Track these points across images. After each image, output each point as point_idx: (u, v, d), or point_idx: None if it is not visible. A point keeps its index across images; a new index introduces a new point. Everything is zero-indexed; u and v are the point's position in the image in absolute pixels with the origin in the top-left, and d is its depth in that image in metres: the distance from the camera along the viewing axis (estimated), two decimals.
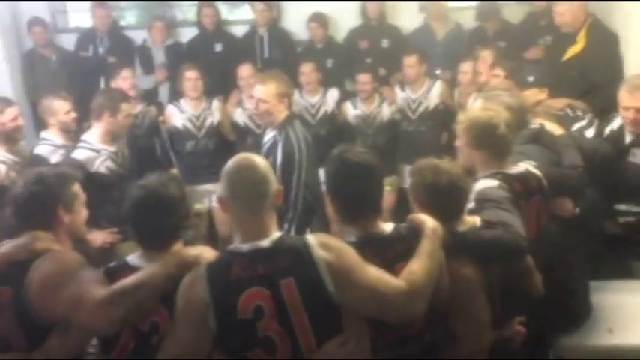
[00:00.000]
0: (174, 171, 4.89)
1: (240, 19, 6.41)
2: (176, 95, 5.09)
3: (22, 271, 1.96)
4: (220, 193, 1.95)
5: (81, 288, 1.89)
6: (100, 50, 5.72)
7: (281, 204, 2.03)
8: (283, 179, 3.35)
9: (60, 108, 3.88)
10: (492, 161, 2.51)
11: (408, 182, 5.00)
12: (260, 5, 5.60)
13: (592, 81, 4.25)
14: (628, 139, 3.37)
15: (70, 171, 2.35)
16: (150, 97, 5.27)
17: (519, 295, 2.34)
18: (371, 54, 5.57)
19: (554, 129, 3.16)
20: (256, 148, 3.82)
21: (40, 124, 4.33)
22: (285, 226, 3.36)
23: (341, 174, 2.06)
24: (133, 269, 1.95)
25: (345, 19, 5.82)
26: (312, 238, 1.88)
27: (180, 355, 1.80)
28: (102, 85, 5.51)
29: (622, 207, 3.40)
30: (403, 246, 2.02)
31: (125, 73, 4.66)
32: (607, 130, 3.46)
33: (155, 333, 1.90)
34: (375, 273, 1.87)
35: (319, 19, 5.57)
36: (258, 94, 3.61)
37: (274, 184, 1.93)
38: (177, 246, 2.02)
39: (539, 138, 3.04)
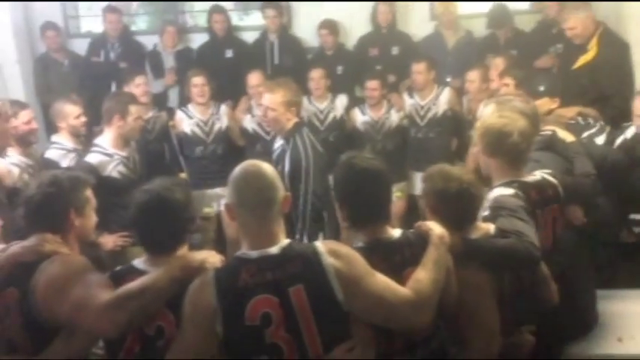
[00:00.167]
0: (183, 175, 4.93)
1: (250, 25, 6.44)
2: (185, 101, 5.12)
3: (28, 273, 1.97)
4: (227, 201, 1.94)
5: (86, 291, 1.89)
6: (112, 55, 5.77)
7: (290, 212, 2.03)
8: (292, 187, 3.35)
9: (70, 112, 3.92)
10: (508, 169, 2.49)
11: (417, 189, 5.08)
12: (271, 12, 5.62)
13: (603, 89, 4.23)
14: None
15: (83, 175, 2.36)
16: (159, 101, 5.30)
17: (534, 304, 2.33)
18: (381, 61, 5.57)
19: (566, 136, 3.14)
20: (266, 154, 3.82)
21: (50, 127, 4.36)
22: (297, 237, 3.35)
23: (349, 180, 2.07)
24: (139, 273, 1.95)
25: (356, 27, 5.83)
26: (321, 246, 1.87)
27: None
28: (113, 90, 5.56)
29: (637, 216, 3.37)
30: (411, 252, 2.01)
31: (139, 79, 4.70)
32: (620, 139, 3.44)
33: (160, 337, 1.90)
34: (383, 281, 1.87)
35: (330, 26, 5.59)
36: (266, 102, 3.63)
37: (281, 191, 1.92)
38: (183, 250, 2.02)
39: (552, 145, 3.03)
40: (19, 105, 3.68)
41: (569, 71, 4.48)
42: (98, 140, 3.79)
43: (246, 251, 1.86)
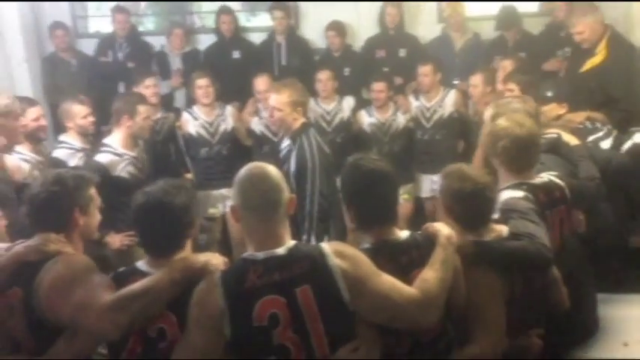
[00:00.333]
0: (190, 176, 4.94)
1: (258, 26, 6.45)
2: (191, 102, 5.13)
3: (32, 273, 1.97)
4: (232, 203, 1.95)
5: (88, 292, 1.90)
6: (119, 55, 5.79)
7: (296, 213, 2.03)
8: (298, 187, 3.37)
9: (78, 112, 3.95)
10: (506, 171, 2.52)
11: (424, 191, 5.06)
12: (278, 13, 5.63)
13: (611, 93, 4.21)
14: None
15: (87, 173, 2.37)
16: (166, 102, 5.31)
17: (544, 307, 2.33)
18: (388, 63, 5.57)
19: (571, 139, 3.15)
20: (273, 156, 3.83)
21: (58, 127, 4.38)
22: (304, 237, 3.37)
23: (356, 181, 2.08)
24: (142, 275, 1.95)
25: (363, 28, 5.83)
26: (326, 247, 1.89)
27: None
28: (121, 89, 5.59)
29: None
30: (419, 253, 2.02)
31: (149, 81, 4.72)
32: (629, 144, 3.41)
33: (162, 339, 1.90)
34: (389, 281, 1.88)
35: (337, 28, 5.59)
36: (272, 103, 3.65)
37: (287, 193, 1.93)
38: (186, 252, 2.02)
39: (556, 148, 3.04)
40: (27, 102, 3.71)
41: (577, 75, 4.46)
42: (108, 140, 3.82)
43: (252, 252, 1.86)
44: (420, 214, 4.98)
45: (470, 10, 5.78)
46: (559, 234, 2.55)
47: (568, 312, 2.46)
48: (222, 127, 4.85)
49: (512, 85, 3.92)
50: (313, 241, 3.32)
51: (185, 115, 4.91)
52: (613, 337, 2.91)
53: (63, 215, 2.10)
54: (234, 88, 5.29)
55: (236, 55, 5.75)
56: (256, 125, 4.93)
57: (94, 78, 5.73)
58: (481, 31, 5.66)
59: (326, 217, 3.52)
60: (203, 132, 4.83)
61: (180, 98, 5.68)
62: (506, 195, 2.40)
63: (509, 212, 2.32)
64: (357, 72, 5.57)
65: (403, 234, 2.08)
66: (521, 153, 2.51)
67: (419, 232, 2.14)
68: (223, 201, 4.82)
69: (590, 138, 3.41)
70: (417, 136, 5.05)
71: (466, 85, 5.05)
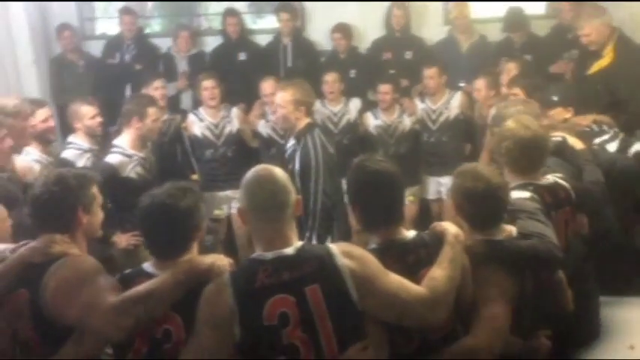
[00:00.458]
0: (195, 177, 4.96)
1: (264, 28, 6.47)
2: (198, 103, 5.15)
3: (38, 275, 1.97)
4: (240, 205, 1.97)
5: (94, 294, 1.90)
6: (127, 57, 5.82)
7: (301, 213, 2.04)
8: (302, 186, 3.40)
9: (86, 112, 3.97)
10: (509, 172, 2.53)
11: (430, 193, 5.06)
12: (285, 15, 5.65)
13: (618, 96, 4.19)
14: None
15: (89, 172, 2.38)
16: (172, 104, 5.33)
17: (551, 309, 2.33)
18: (394, 65, 5.57)
19: (576, 143, 3.15)
20: (280, 158, 3.84)
21: (65, 128, 4.41)
22: (307, 234, 3.39)
23: (361, 182, 2.10)
24: (148, 276, 1.96)
25: (369, 30, 5.84)
26: (334, 247, 1.91)
27: None
28: (127, 91, 5.61)
29: None
30: (426, 252, 2.04)
31: (157, 83, 4.76)
32: (637, 147, 3.40)
33: (168, 341, 1.91)
34: (396, 280, 1.89)
35: (343, 30, 5.60)
36: (277, 100, 3.72)
37: (293, 194, 1.95)
38: (192, 254, 2.02)
39: (561, 151, 3.04)
40: (36, 103, 3.74)
41: (584, 77, 4.45)
42: (117, 141, 3.85)
43: (261, 253, 1.88)
44: (425, 216, 4.97)
45: (476, 12, 5.77)
46: (564, 235, 2.55)
47: (572, 314, 2.46)
48: (227, 129, 4.87)
49: (517, 90, 3.91)
50: (315, 240, 3.34)
51: (191, 117, 4.93)
52: (618, 339, 2.90)
53: (66, 215, 2.10)
54: (240, 89, 5.31)
55: (242, 56, 5.76)
56: (263, 128, 4.94)
57: (101, 79, 5.76)
58: (488, 33, 5.65)
59: (329, 216, 3.54)
60: (208, 133, 4.84)
61: (186, 100, 5.69)
62: (513, 195, 2.40)
63: (516, 212, 2.32)
64: (362, 74, 5.58)
65: (410, 234, 2.10)
66: (525, 154, 2.52)
67: (426, 231, 2.15)
68: (228, 203, 4.85)
69: (597, 141, 3.39)
70: (423, 139, 5.05)
71: (472, 88, 5.06)
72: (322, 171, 3.47)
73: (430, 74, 4.92)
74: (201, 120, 4.86)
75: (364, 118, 5.04)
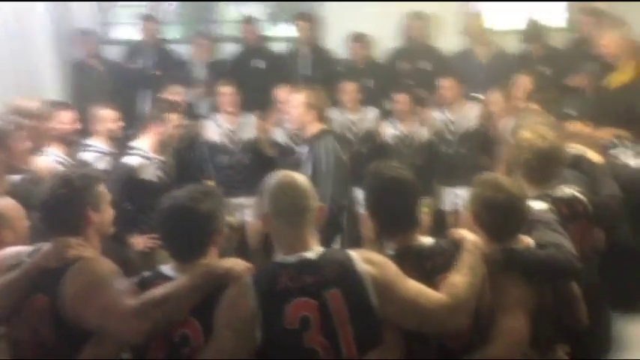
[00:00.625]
0: (211, 183, 4.97)
1: (282, 36, 6.49)
2: (215, 110, 5.17)
3: (55, 280, 1.97)
4: (262, 210, 1.97)
5: (112, 298, 1.90)
6: (147, 63, 5.85)
7: (322, 221, 2.04)
8: None
9: (107, 116, 4.04)
10: (526, 182, 2.52)
11: (447, 204, 5.04)
12: (303, 23, 5.67)
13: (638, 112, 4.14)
14: None
15: (93, 171, 2.38)
16: (190, 110, 5.36)
17: (566, 323, 2.31)
18: (411, 75, 5.57)
19: (594, 156, 3.13)
20: (297, 165, 3.85)
21: (83, 131, 4.45)
22: None
23: (377, 188, 2.12)
24: (167, 279, 1.95)
25: (387, 40, 5.84)
26: (354, 253, 1.91)
27: None
28: (147, 96, 5.66)
29: None
30: (443, 258, 2.03)
31: (176, 89, 4.81)
32: None
33: (185, 345, 1.90)
34: (416, 287, 1.89)
35: (361, 39, 5.62)
36: (290, 101, 3.86)
37: (315, 200, 1.96)
38: (210, 257, 2.01)
39: (579, 163, 3.02)
40: (60, 105, 3.80)
41: (604, 92, 4.41)
42: (137, 143, 3.88)
43: (283, 256, 1.89)
44: (440, 228, 4.94)
45: (495, 23, 5.75)
46: (579, 249, 2.50)
47: (585, 328, 2.43)
48: (244, 136, 4.89)
49: (533, 105, 3.89)
50: None
51: (208, 123, 4.95)
52: (630, 354, 2.87)
53: (76, 216, 2.09)
54: (256, 96, 5.32)
55: (259, 64, 5.78)
56: (280, 136, 4.95)
57: (120, 84, 5.80)
58: (506, 45, 5.63)
59: (335, 223, 3.59)
60: (225, 140, 4.86)
61: (203, 106, 5.72)
62: (531, 206, 2.38)
63: (533, 223, 2.30)
64: (379, 83, 5.57)
65: (427, 240, 2.10)
66: (543, 165, 2.52)
67: (443, 239, 2.15)
68: (242, 210, 4.85)
69: (617, 155, 3.37)
70: (442, 150, 5.04)
71: (488, 100, 5.04)
72: (332, 177, 3.52)
73: (446, 85, 4.91)
74: (218, 126, 4.88)
75: (382, 128, 5.03)
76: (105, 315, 1.88)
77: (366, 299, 1.82)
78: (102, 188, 2.18)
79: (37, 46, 5.65)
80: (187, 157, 4.91)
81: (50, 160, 3.44)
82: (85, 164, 3.74)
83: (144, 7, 6.30)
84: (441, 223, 5.04)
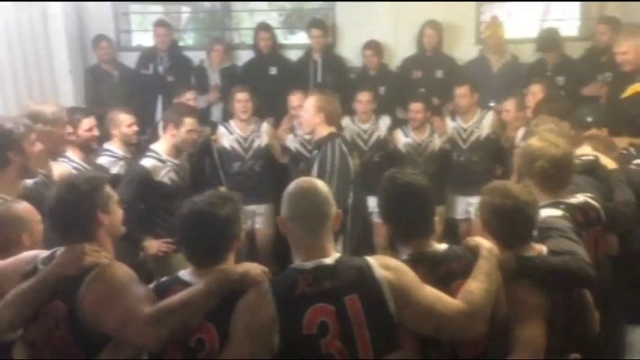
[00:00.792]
0: (223, 189, 4.98)
1: (295, 43, 6.52)
2: (228, 117, 5.19)
3: (73, 287, 1.97)
4: (282, 214, 1.99)
5: (129, 305, 1.91)
6: (160, 69, 5.90)
7: (339, 227, 2.06)
8: None
9: (124, 120, 4.09)
10: (540, 190, 2.52)
11: (459, 212, 5.02)
12: (316, 31, 5.68)
13: None
14: None
15: (98, 173, 2.39)
16: (202, 117, 5.38)
17: (578, 331, 2.28)
18: (424, 84, 5.55)
19: (608, 163, 3.12)
20: (308, 172, 3.86)
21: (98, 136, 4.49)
22: None
23: (392, 193, 2.13)
24: (184, 285, 1.96)
25: (400, 48, 5.84)
26: (372, 259, 1.92)
27: None
28: (159, 102, 5.70)
29: None
30: (458, 265, 2.04)
31: (189, 94, 4.85)
32: None
33: (201, 350, 1.90)
34: (433, 293, 1.90)
35: (374, 47, 5.61)
36: (303, 105, 3.98)
37: (334, 207, 1.99)
38: (228, 263, 2.02)
39: (593, 170, 3.02)
40: (81, 112, 3.86)
41: (618, 100, 4.37)
42: (153, 146, 3.92)
43: (300, 262, 1.91)
44: (452, 236, 4.92)
45: (510, 32, 5.74)
46: (593, 255, 2.52)
47: (597, 336, 2.42)
48: (256, 143, 4.89)
49: (543, 116, 3.86)
50: None
51: (221, 129, 4.97)
52: None
53: (87, 221, 2.09)
54: (269, 103, 5.34)
55: (273, 71, 5.80)
56: (291, 142, 4.96)
57: (134, 90, 5.85)
58: (521, 53, 5.62)
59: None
60: (237, 146, 4.87)
61: (216, 113, 5.75)
62: (544, 214, 2.39)
63: (547, 231, 2.30)
64: (392, 91, 5.57)
65: (441, 246, 2.12)
66: (558, 172, 2.52)
67: (457, 245, 2.16)
68: (252, 217, 4.85)
69: (633, 163, 3.35)
70: (453, 157, 5.02)
71: (502, 108, 5.02)
72: (336, 179, 3.54)
73: (462, 93, 4.90)
74: (230, 132, 4.90)
75: (394, 136, 5.03)
76: (123, 322, 1.89)
77: (383, 304, 1.83)
78: (108, 189, 2.18)
79: (52, 52, 5.71)
80: (198, 164, 4.93)
81: (66, 165, 3.47)
82: (99, 168, 3.78)
83: (160, 14, 6.34)
84: (452, 232, 5.01)
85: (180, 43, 6.74)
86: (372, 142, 4.99)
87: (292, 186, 2.00)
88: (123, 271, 2.05)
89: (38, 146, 2.82)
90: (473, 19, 5.93)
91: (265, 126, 4.99)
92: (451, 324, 1.88)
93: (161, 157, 3.83)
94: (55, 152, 3.18)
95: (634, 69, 4.25)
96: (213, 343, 1.88)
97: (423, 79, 5.61)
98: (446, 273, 2.02)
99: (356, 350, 1.80)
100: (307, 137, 4.67)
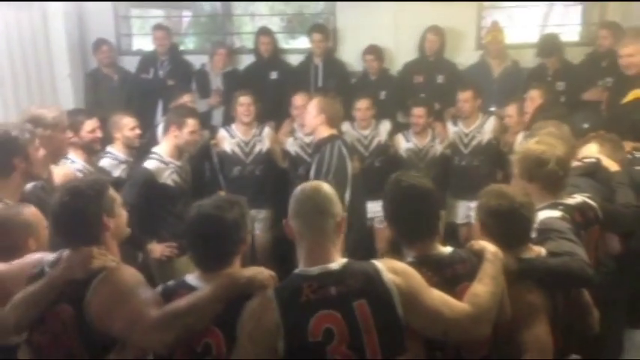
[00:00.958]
0: (223, 194, 4.97)
1: (296, 48, 6.52)
2: (229, 120, 5.18)
3: (80, 290, 1.98)
4: (288, 217, 1.99)
5: (136, 309, 1.91)
6: (160, 73, 5.90)
7: (344, 231, 2.04)
8: None
9: (126, 123, 4.11)
10: (546, 193, 2.53)
11: (460, 217, 5.02)
12: (317, 36, 5.69)
13: None
14: None
15: (100, 177, 2.38)
16: (203, 120, 5.37)
17: (578, 331, 2.31)
18: (425, 88, 5.56)
19: (610, 165, 3.12)
20: (308, 177, 3.86)
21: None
22: None
23: (397, 196, 2.14)
24: (190, 289, 1.95)
25: (402, 53, 5.85)
26: (379, 263, 1.92)
27: None
28: (159, 106, 5.69)
29: None
30: (463, 267, 2.05)
31: (186, 97, 4.86)
32: None
33: (208, 354, 1.90)
34: (439, 296, 1.91)
35: (375, 52, 5.62)
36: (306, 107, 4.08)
37: (339, 208, 1.98)
38: (234, 266, 2.01)
39: (594, 172, 3.03)
40: (84, 114, 3.85)
41: (619, 106, 4.37)
42: (156, 149, 3.92)
43: (305, 268, 1.89)
44: (453, 240, 4.91)
45: (510, 37, 5.75)
46: (593, 255, 2.54)
47: (596, 336, 2.43)
48: (257, 148, 4.89)
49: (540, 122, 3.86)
50: None
51: (222, 132, 4.97)
52: None
53: (94, 226, 2.09)
54: (270, 108, 5.34)
55: (273, 75, 5.81)
56: (291, 146, 4.96)
57: (134, 94, 5.85)
58: (521, 59, 5.63)
59: None
60: (238, 150, 4.87)
61: (217, 117, 5.75)
62: (543, 215, 2.40)
63: (547, 232, 2.31)
64: (393, 96, 5.58)
65: (446, 249, 2.12)
66: (565, 173, 2.55)
67: (461, 249, 2.17)
68: (252, 222, 4.84)
69: (637, 167, 3.35)
70: (455, 162, 5.02)
71: (503, 113, 5.02)
72: (333, 177, 3.56)
73: (465, 97, 4.91)
74: (232, 136, 4.90)
75: (395, 140, 5.03)
76: (130, 325, 1.89)
77: (393, 309, 1.83)
78: (112, 192, 2.18)
79: (52, 56, 5.71)
80: (198, 168, 4.92)
81: (68, 168, 3.46)
82: (101, 171, 3.79)
83: (160, 18, 6.34)
84: (453, 236, 5.01)
85: (181, 47, 6.75)
86: (372, 147, 4.99)
87: (298, 189, 2.01)
88: (130, 274, 2.05)
89: (41, 152, 2.82)
90: (474, 24, 5.96)
91: (267, 130, 4.98)
92: (458, 326, 1.88)
93: (163, 159, 3.83)
94: (55, 156, 3.16)
95: (638, 72, 4.24)
96: (220, 348, 1.88)
97: (423, 84, 5.62)
98: (452, 275, 2.03)
99: (364, 354, 1.79)
100: (307, 140, 4.68)
